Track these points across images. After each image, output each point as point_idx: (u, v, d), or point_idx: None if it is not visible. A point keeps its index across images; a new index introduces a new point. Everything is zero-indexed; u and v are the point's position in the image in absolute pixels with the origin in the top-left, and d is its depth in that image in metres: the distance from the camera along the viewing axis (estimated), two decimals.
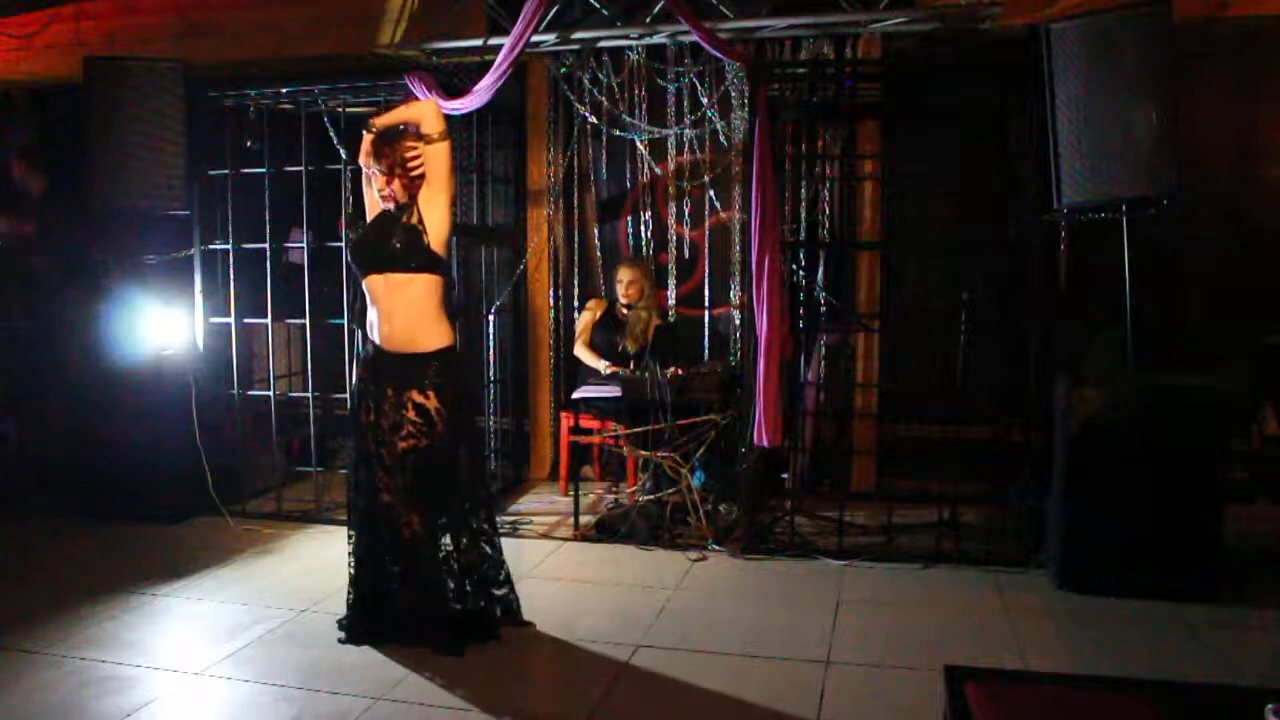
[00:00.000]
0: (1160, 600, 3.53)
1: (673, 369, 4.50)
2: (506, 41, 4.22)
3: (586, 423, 4.81)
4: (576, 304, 5.55)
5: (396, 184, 3.16)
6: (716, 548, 4.24)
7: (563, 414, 5.11)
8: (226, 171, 4.92)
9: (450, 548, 3.27)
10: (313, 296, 4.87)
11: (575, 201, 5.58)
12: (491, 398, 5.36)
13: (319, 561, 4.16)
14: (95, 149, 4.57)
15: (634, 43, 5.10)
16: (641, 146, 5.33)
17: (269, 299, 4.87)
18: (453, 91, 4.42)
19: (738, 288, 5.20)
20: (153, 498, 4.65)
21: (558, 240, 5.55)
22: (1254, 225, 4.90)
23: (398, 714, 2.78)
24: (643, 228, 5.46)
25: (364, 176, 3.27)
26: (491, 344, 5.34)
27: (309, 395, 4.95)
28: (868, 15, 4.66)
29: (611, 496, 5.04)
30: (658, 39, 5.02)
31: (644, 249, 5.46)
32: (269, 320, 4.92)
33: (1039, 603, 3.64)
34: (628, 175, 5.44)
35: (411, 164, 3.16)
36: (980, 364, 4.47)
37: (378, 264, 3.16)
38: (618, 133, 5.30)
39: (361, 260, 3.22)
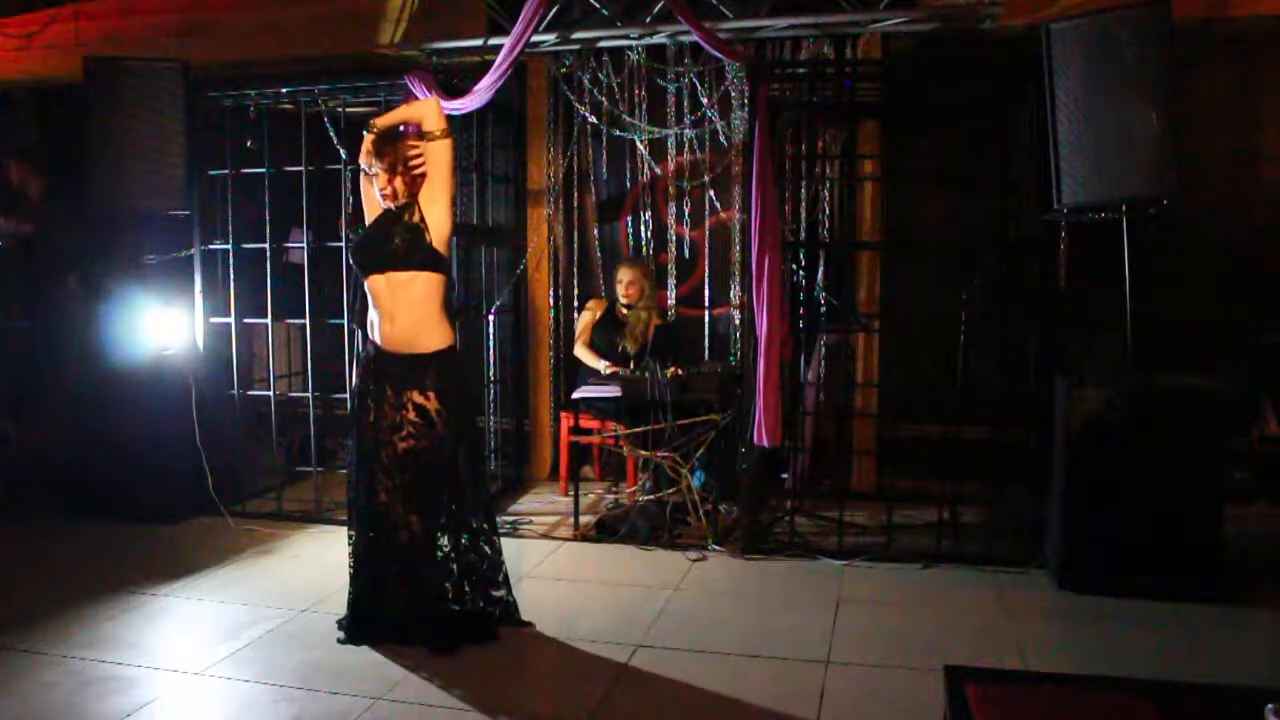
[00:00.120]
0: (1160, 600, 3.53)
1: (673, 369, 4.50)
2: (506, 42, 4.22)
3: (586, 423, 4.81)
4: (576, 304, 5.55)
5: (398, 181, 3.16)
6: (716, 548, 4.24)
7: (563, 414, 5.11)
8: (226, 171, 4.92)
9: (449, 548, 3.27)
10: (312, 297, 4.87)
11: (575, 201, 5.58)
12: (491, 398, 5.36)
13: (319, 561, 4.16)
14: (95, 149, 4.57)
15: (634, 43, 5.10)
16: (641, 146, 5.33)
17: (269, 299, 4.87)
18: (453, 91, 4.42)
19: (738, 288, 5.20)
20: (153, 498, 4.65)
21: (558, 240, 5.55)
22: (1254, 225, 4.90)
23: (397, 714, 2.78)
24: (643, 228, 5.46)
25: (364, 177, 3.26)
26: (491, 344, 5.34)
27: (309, 395, 4.95)
28: (868, 15, 4.67)
29: (611, 496, 5.04)
30: (658, 39, 5.03)
31: (644, 249, 5.46)
32: (269, 320, 4.92)
33: (1039, 603, 3.64)
34: (628, 175, 5.44)
35: (413, 162, 3.17)
36: (980, 364, 4.46)
37: (379, 264, 3.16)
38: (618, 133, 5.31)
39: (363, 261, 3.22)
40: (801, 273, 4.92)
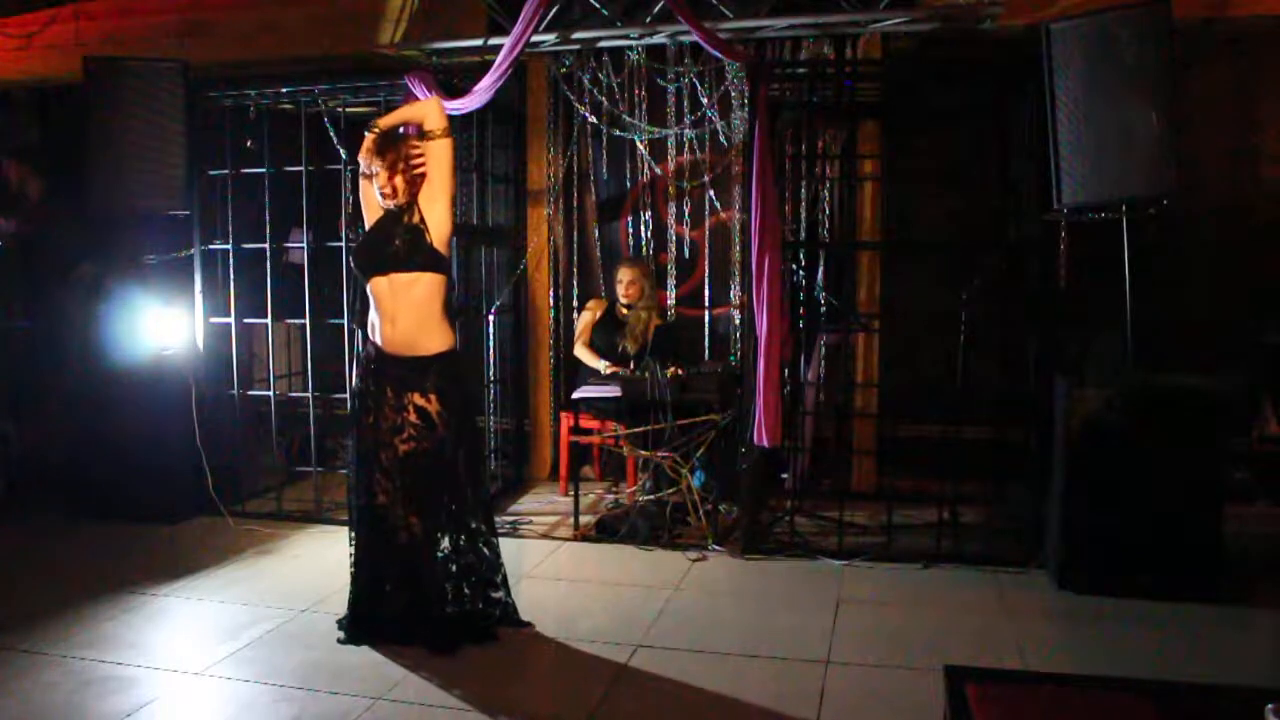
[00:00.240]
0: (1160, 600, 3.53)
1: (673, 369, 4.50)
2: (506, 42, 4.22)
3: (586, 423, 4.81)
4: (576, 304, 5.55)
5: (399, 179, 3.16)
6: (716, 548, 4.24)
7: (563, 414, 5.11)
8: (226, 171, 4.92)
9: (448, 549, 3.27)
10: (312, 297, 4.87)
11: (575, 201, 5.57)
12: (491, 398, 5.36)
13: (319, 561, 4.16)
14: (95, 149, 4.57)
15: (634, 43, 5.10)
16: (641, 146, 5.33)
17: (269, 299, 4.87)
18: (453, 91, 4.42)
19: (738, 288, 5.20)
20: (153, 498, 4.65)
21: (558, 240, 5.55)
22: (1254, 225, 4.90)
23: (397, 714, 2.78)
24: (643, 228, 5.46)
25: (363, 180, 3.26)
26: (491, 344, 5.34)
27: (309, 395, 4.95)
28: (868, 15, 4.67)
29: (611, 496, 5.03)
30: (658, 39, 5.03)
31: (644, 249, 5.46)
32: (269, 320, 4.92)
33: (1039, 603, 3.64)
34: (628, 175, 5.44)
35: (414, 161, 3.17)
36: (980, 364, 4.47)
37: (381, 265, 3.16)
38: (618, 133, 5.31)
39: (364, 263, 3.22)
40: (801, 273, 4.92)
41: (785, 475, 4.85)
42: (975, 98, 4.76)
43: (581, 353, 5.07)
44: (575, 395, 4.78)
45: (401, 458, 3.18)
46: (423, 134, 3.20)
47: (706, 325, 5.40)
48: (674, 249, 5.43)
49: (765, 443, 4.09)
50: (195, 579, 3.91)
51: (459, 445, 3.26)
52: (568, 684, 3.04)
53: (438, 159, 3.19)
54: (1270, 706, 1.70)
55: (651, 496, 4.51)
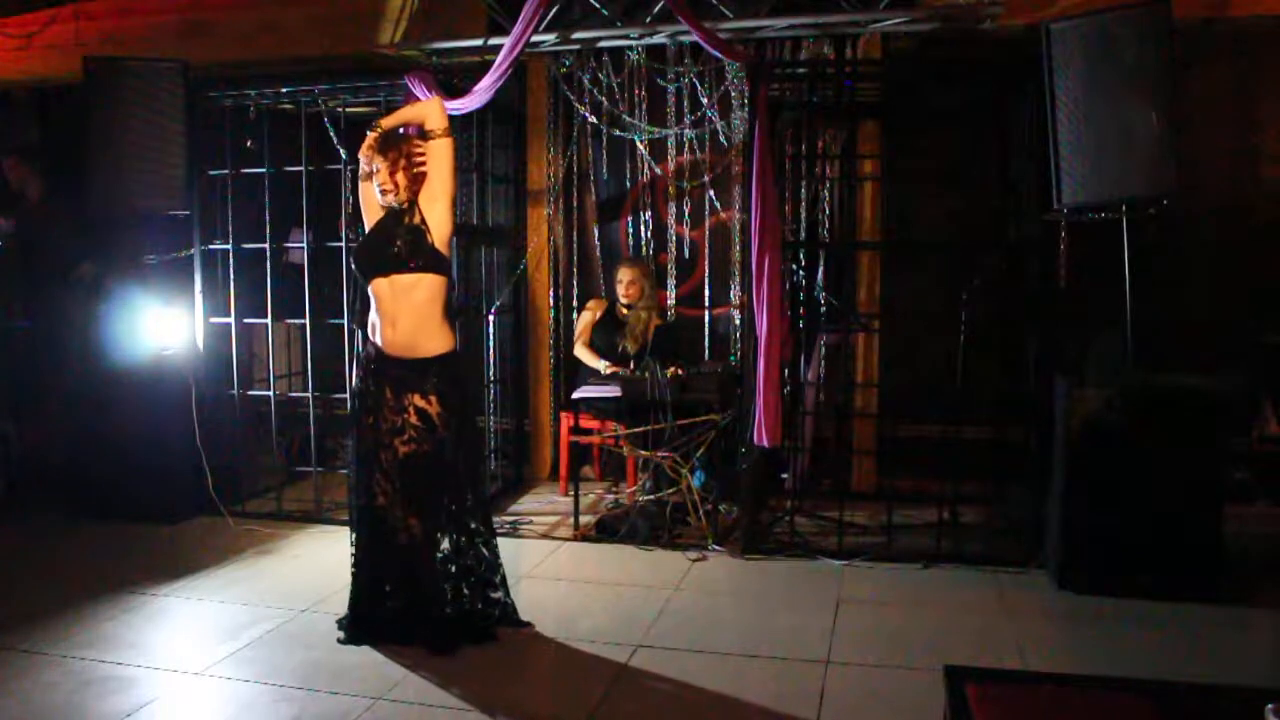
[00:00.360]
0: (1160, 600, 3.53)
1: (673, 369, 4.50)
2: (506, 42, 4.22)
3: (586, 423, 4.81)
4: (576, 304, 5.55)
5: (400, 175, 3.16)
6: (716, 548, 4.24)
7: (563, 414, 5.11)
8: (226, 171, 4.92)
9: (448, 550, 3.27)
10: (312, 297, 4.87)
11: (575, 201, 5.57)
12: (491, 398, 5.36)
13: (319, 561, 4.16)
14: (95, 149, 4.57)
15: (634, 43, 5.10)
16: (641, 146, 5.33)
17: (269, 299, 4.87)
18: (453, 91, 4.42)
19: (738, 288, 5.20)
20: (153, 498, 4.65)
21: (558, 240, 5.55)
22: (1254, 225, 4.90)
23: (397, 714, 2.78)
24: (643, 228, 5.46)
25: (362, 182, 3.27)
26: (491, 344, 5.34)
27: (309, 395, 4.95)
28: (868, 15, 4.67)
29: (611, 496, 5.03)
30: (658, 39, 5.03)
31: (644, 249, 5.46)
32: (269, 320, 4.92)
33: (1039, 603, 3.64)
34: (628, 175, 5.44)
35: (415, 158, 3.17)
36: (980, 364, 4.47)
37: (382, 266, 3.16)
38: (618, 133, 5.31)
39: (365, 265, 3.21)
40: (801, 273, 4.92)
41: (785, 475, 4.85)
42: (975, 98, 4.76)
43: (581, 353, 5.07)
44: (575, 395, 4.78)
45: (401, 459, 3.18)
46: (424, 133, 3.20)
47: (706, 325, 5.40)
48: (674, 249, 5.43)
49: (765, 443, 4.09)
50: (195, 579, 3.91)
51: (459, 446, 3.26)
52: (568, 684, 3.04)
53: (438, 158, 3.20)
54: (1270, 706, 1.69)
55: (651, 496, 4.51)
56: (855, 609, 3.58)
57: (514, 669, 3.13)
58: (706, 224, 5.37)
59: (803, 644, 3.24)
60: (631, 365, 4.79)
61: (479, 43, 5.10)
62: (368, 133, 3.20)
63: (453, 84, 4.62)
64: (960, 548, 4.11)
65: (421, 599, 3.23)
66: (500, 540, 3.45)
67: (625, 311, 5.05)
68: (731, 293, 5.30)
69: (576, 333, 5.19)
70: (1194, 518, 3.59)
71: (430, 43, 5.21)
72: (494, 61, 4.25)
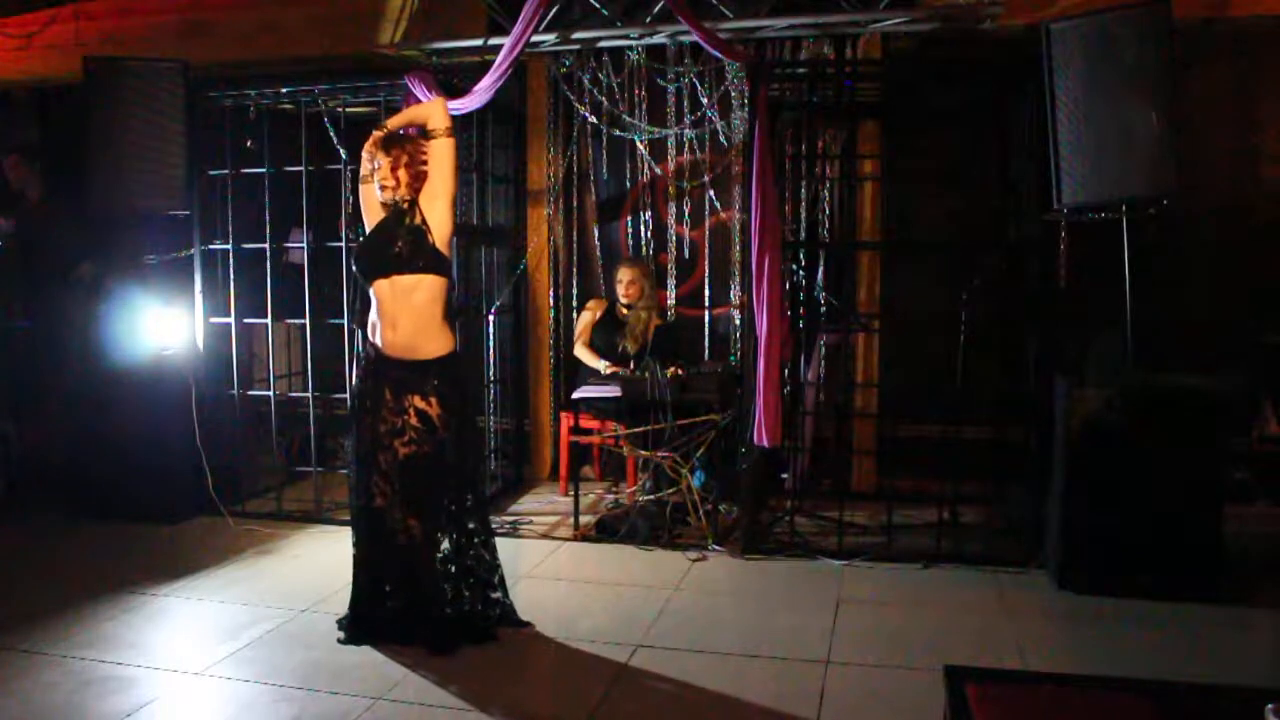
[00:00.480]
0: (1160, 600, 3.53)
1: (673, 369, 4.50)
2: (506, 42, 4.22)
3: (586, 423, 4.80)
4: (576, 304, 5.55)
5: (402, 172, 3.17)
6: (716, 548, 4.24)
7: (563, 414, 5.11)
8: (226, 171, 4.91)
9: (448, 550, 3.27)
10: (312, 297, 4.87)
11: (575, 201, 5.57)
12: (491, 398, 5.36)
13: (319, 561, 4.16)
14: (95, 149, 4.57)
15: (634, 43, 5.10)
16: (641, 146, 5.33)
17: (269, 299, 4.87)
18: (453, 91, 4.42)
19: (738, 288, 5.20)
20: (153, 498, 4.65)
21: (558, 240, 5.55)
22: (1254, 225, 4.90)
23: (397, 714, 2.78)
24: (643, 228, 5.46)
25: (363, 185, 3.28)
26: (491, 344, 5.34)
27: (309, 395, 4.95)
28: (868, 15, 4.67)
29: (611, 496, 5.03)
30: (658, 39, 5.03)
31: (644, 249, 5.46)
32: (269, 320, 4.92)
33: (1039, 603, 3.64)
34: (628, 175, 5.44)
35: (418, 157, 3.19)
36: (980, 364, 4.47)
37: (383, 267, 3.16)
38: (618, 133, 5.31)
39: (366, 266, 3.22)
40: (801, 273, 4.92)
41: (785, 475, 4.85)
42: (975, 98, 4.76)
43: (581, 353, 5.07)
44: (575, 395, 4.78)
45: (401, 461, 3.18)
46: (426, 133, 3.22)
47: (706, 325, 5.40)
48: (674, 249, 5.43)
49: (765, 443, 4.09)
50: (195, 579, 3.91)
51: (459, 447, 3.26)
52: (568, 684, 3.04)
53: (440, 158, 3.21)
54: (1270, 706, 1.69)
55: (651, 496, 4.51)
56: (855, 609, 3.58)
57: (514, 669, 3.13)
58: (706, 224, 5.37)
59: (803, 644, 3.24)
60: (631, 365, 4.79)
61: (479, 43, 5.10)
62: (375, 132, 3.22)
63: (453, 84, 4.61)
64: (960, 548, 4.11)
65: (421, 599, 3.23)
66: (500, 540, 3.45)
67: (625, 311, 5.05)
68: (731, 293, 5.30)
69: (576, 333, 5.19)
70: (1194, 518, 3.59)
71: (430, 43, 5.22)
72: (494, 61, 4.25)
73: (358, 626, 3.28)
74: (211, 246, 4.96)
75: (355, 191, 3.56)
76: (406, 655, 3.13)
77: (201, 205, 4.90)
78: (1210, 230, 4.81)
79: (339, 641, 3.25)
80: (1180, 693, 2.04)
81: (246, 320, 5.00)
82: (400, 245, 3.16)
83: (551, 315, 5.56)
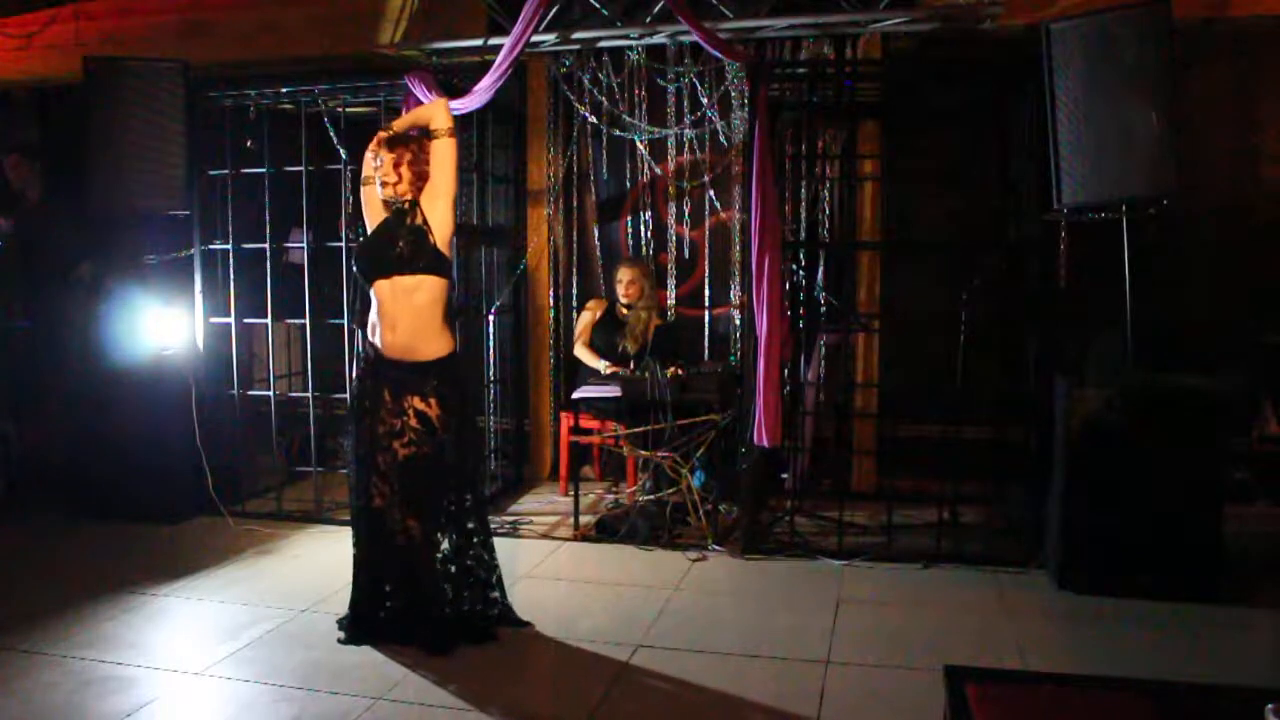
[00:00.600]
0: (1160, 600, 3.53)
1: (673, 369, 4.50)
2: (506, 42, 4.22)
3: (586, 423, 4.80)
4: (576, 304, 5.55)
5: (404, 169, 3.18)
6: (716, 548, 4.24)
7: (563, 414, 5.11)
8: (226, 171, 4.91)
9: (448, 551, 3.27)
10: (312, 297, 4.87)
11: (575, 201, 5.57)
12: (491, 398, 5.36)
13: (319, 561, 4.16)
14: (95, 149, 4.57)
15: (634, 43, 5.10)
16: (641, 146, 5.33)
17: (269, 299, 4.87)
18: (453, 91, 4.42)
19: (738, 288, 5.20)
20: (153, 498, 4.65)
21: (558, 240, 5.55)
22: (1254, 225, 4.90)
23: (397, 714, 2.78)
24: (643, 228, 5.46)
25: (364, 186, 3.28)
26: (491, 344, 5.33)
27: (309, 395, 4.95)
28: (868, 15, 4.67)
29: (611, 496, 5.03)
30: (658, 39, 5.03)
31: (644, 249, 5.46)
32: (269, 320, 4.92)
33: (1039, 603, 3.64)
34: (628, 175, 5.44)
35: (420, 155, 3.20)
36: (980, 364, 4.47)
37: (384, 268, 3.17)
38: (618, 133, 5.30)
39: (367, 267, 3.22)
40: (801, 273, 4.92)
41: (785, 475, 4.85)
42: (975, 98, 4.76)
43: (581, 353, 5.07)
44: (575, 395, 4.78)
45: (401, 461, 3.18)
46: (428, 132, 3.23)
47: (706, 325, 5.40)
48: (674, 249, 5.43)
49: (765, 443, 4.09)
50: (195, 579, 3.91)
51: (458, 448, 3.26)
52: (568, 684, 3.04)
53: (441, 158, 3.22)
54: (1270, 706, 1.69)
55: (651, 496, 4.51)
56: (855, 609, 3.58)
57: (514, 669, 3.13)
58: (706, 224, 5.37)
59: (803, 644, 3.24)
60: (631, 365, 4.79)
61: (479, 43, 5.10)
62: (380, 132, 3.24)
63: (453, 84, 4.62)
64: (960, 548, 4.11)
65: (421, 599, 3.23)
66: (500, 540, 3.45)
67: (625, 311, 5.05)
68: (731, 293, 5.30)
69: (576, 333, 5.19)
70: (1194, 518, 3.59)
71: (430, 43, 5.21)
72: (494, 61, 4.25)
73: (358, 626, 3.28)
74: (211, 246, 4.95)
75: (355, 191, 3.56)
76: (406, 655, 3.13)
77: (201, 205, 4.89)
78: (1210, 230, 4.81)
79: (339, 641, 3.25)
80: (1180, 693, 2.04)
81: (246, 320, 5.00)
82: (402, 245, 3.16)
83: (551, 315, 5.56)
